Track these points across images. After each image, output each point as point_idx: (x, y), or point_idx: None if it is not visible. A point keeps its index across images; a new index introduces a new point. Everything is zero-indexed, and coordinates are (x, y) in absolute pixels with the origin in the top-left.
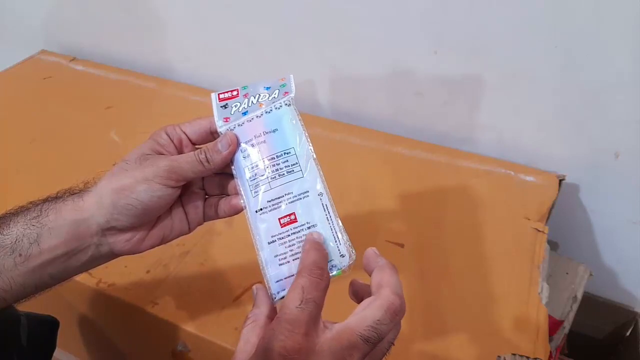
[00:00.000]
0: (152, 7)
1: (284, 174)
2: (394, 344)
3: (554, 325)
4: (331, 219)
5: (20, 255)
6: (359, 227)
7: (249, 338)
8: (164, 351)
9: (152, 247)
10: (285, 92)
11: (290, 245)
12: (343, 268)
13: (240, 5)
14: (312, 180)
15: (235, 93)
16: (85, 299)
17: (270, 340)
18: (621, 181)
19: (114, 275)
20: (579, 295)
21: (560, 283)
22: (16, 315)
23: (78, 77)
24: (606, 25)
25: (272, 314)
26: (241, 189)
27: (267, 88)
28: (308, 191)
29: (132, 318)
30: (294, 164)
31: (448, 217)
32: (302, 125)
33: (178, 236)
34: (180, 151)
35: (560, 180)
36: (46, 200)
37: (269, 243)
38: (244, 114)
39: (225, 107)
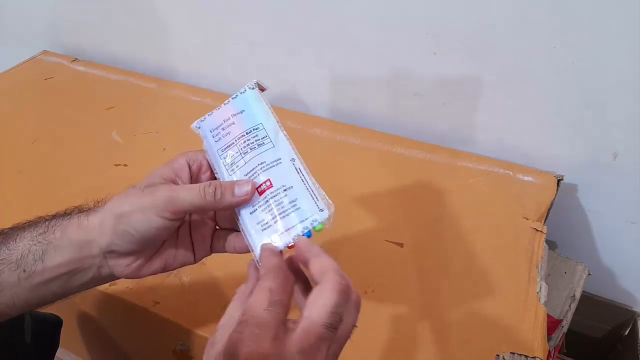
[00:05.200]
0: (153, 7)
1: (255, 147)
2: (356, 326)
3: (552, 324)
4: (305, 180)
5: (24, 271)
6: (358, 227)
7: (233, 314)
8: (165, 350)
9: (153, 274)
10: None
11: (270, 210)
12: (323, 221)
13: (241, 5)
14: (283, 148)
15: None
16: (87, 299)
17: (237, 344)
18: (619, 181)
19: None
20: (578, 295)
21: (559, 282)
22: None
23: (79, 78)
24: (605, 25)
25: None
26: (217, 171)
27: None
28: (280, 158)
29: (134, 317)
30: (263, 137)
31: (447, 216)
32: (267, 103)
33: (181, 266)
34: (195, 178)
35: (559, 180)
36: (54, 216)
37: (250, 213)
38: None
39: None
